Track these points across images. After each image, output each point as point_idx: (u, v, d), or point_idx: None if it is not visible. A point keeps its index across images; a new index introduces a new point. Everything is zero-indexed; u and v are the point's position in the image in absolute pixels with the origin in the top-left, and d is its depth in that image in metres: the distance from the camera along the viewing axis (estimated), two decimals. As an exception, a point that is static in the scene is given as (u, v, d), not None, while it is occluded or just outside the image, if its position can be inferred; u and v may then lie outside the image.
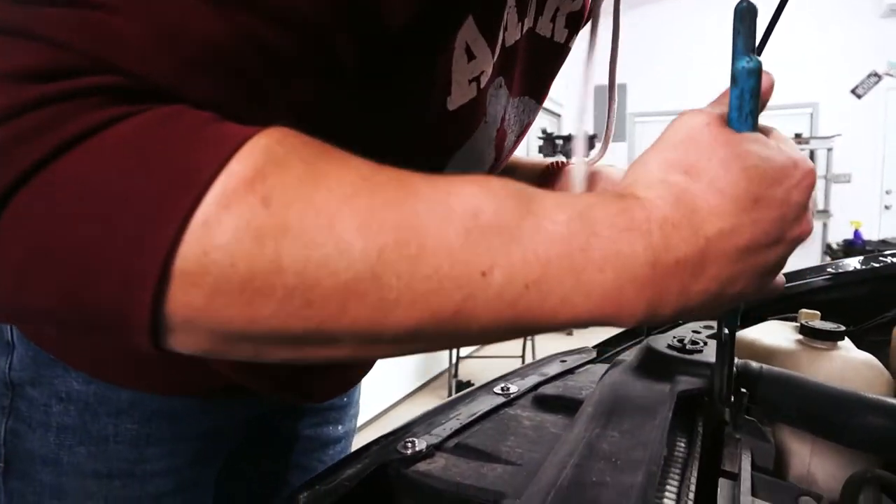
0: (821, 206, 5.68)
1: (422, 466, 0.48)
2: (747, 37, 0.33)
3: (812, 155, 5.88)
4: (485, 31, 0.39)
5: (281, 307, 0.24)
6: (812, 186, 0.32)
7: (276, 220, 0.23)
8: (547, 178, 0.61)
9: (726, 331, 0.45)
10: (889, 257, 0.81)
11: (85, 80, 0.23)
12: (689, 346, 0.49)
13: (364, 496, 0.48)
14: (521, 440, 0.52)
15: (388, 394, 3.32)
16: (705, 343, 0.51)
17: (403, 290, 0.24)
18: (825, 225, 5.57)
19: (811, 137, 5.65)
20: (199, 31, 0.25)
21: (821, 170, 5.82)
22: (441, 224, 0.25)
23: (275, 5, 0.27)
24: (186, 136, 0.24)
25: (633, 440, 0.37)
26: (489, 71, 0.42)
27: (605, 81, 0.54)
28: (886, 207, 5.80)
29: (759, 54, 0.36)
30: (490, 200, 0.26)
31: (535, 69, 0.52)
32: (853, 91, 5.78)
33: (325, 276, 0.23)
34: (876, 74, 5.66)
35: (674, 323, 0.66)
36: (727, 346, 0.45)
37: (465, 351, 3.91)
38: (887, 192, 5.80)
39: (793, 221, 0.31)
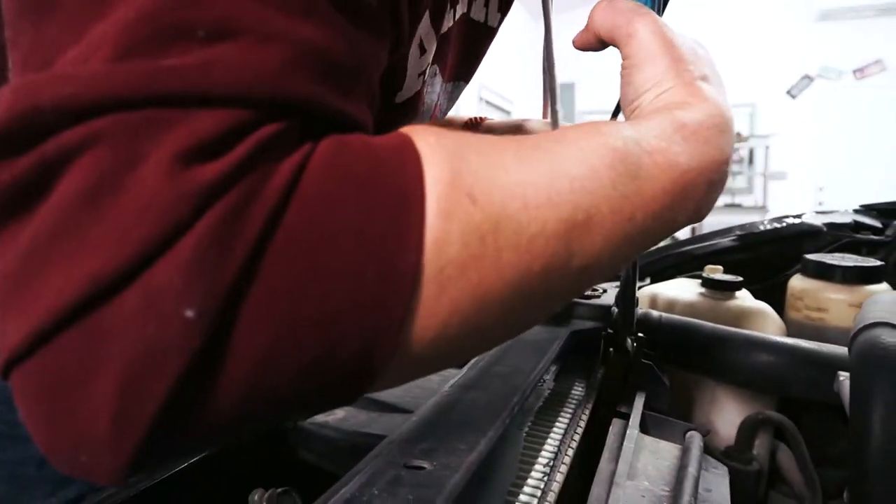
0: (759, 203, 5.90)
1: (319, 418, 0.47)
2: None
3: (751, 153, 6.11)
4: (434, 23, 0.39)
5: (501, 308, 0.23)
6: None
7: (486, 213, 0.22)
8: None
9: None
10: (791, 218, 0.85)
11: (254, 136, 0.19)
12: (587, 293, 0.50)
13: (260, 448, 0.46)
14: (426, 392, 0.51)
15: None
16: (604, 290, 0.51)
17: (584, 255, 0.25)
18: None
19: (750, 136, 5.85)
20: (337, 50, 0.22)
21: (759, 167, 6.05)
22: (592, 180, 0.25)
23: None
24: (366, 159, 0.21)
25: (515, 370, 0.37)
26: (430, 61, 0.42)
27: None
28: (820, 203, 6.06)
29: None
30: (611, 149, 0.26)
31: (468, 54, 0.52)
32: (789, 92, 6.03)
33: (534, 259, 0.23)
34: (808, 77, 5.92)
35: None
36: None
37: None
38: (820, 189, 6.07)
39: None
